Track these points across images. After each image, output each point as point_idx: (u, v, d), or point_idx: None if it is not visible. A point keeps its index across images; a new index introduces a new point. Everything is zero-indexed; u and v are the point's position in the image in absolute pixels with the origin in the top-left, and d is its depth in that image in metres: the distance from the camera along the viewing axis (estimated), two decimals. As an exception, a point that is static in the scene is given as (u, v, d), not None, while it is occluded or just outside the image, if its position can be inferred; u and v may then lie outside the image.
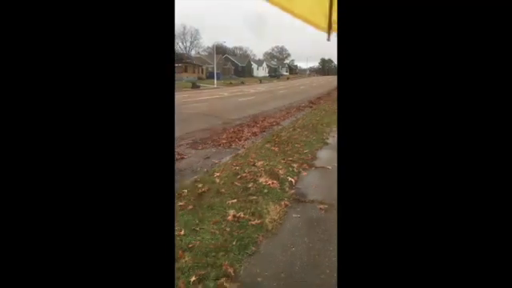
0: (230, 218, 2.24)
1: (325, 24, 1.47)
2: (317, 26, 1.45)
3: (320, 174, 3.50)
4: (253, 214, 2.33)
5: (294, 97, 16.12)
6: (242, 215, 2.30)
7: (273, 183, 3.04)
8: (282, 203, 2.60)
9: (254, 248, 1.88)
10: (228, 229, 2.08)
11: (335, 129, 6.38)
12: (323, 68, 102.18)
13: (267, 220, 2.26)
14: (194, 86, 25.58)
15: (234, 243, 1.90)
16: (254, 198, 2.67)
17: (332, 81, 41.95)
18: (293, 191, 2.90)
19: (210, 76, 35.54)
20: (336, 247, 1.94)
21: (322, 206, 2.54)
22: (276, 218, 2.32)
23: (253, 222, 2.19)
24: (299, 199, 2.73)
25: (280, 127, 6.63)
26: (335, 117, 7.93)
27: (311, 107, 10.85)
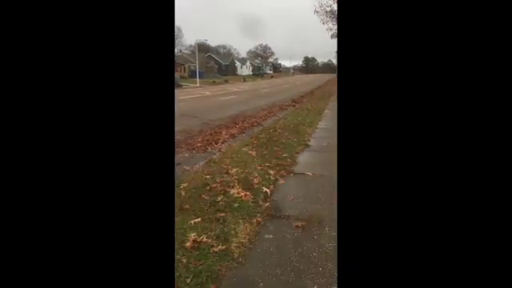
0: (189, 244, 1.88)
1: None
2: None
3: (298, 182, 3.18)
4: (217, 238, 1.97)
5: (278, 95, 15.84)
6: (205, 239, 1.94)
7: (245, 195, 2.69)
8: (254, 220, 2.26)
9: (212, 286, 1.53)
10: (184, 260, 1.72)
11: (317, 129, 6.11)
12: (307, 66, 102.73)
13: (234, 245, 1.91)
14: (177, 85, 24.97)
15: (188, 280, 1.54)
16: (222, 215, 2.32)
17: (315, 79, 42.08)
18: (267, 204, 2.57)
19: (193, 75, 34.86)
20: (314, 279, 1.64)
21: (298, 223, 2.21)
22: (245, 240, 1.98)
23: (216, 249, 1.83)
24: (274, 214, 2.40)
25: (260, 128, 6.29)
26: (318, 116, 7.72)
27: (294, 106, 10.58)
